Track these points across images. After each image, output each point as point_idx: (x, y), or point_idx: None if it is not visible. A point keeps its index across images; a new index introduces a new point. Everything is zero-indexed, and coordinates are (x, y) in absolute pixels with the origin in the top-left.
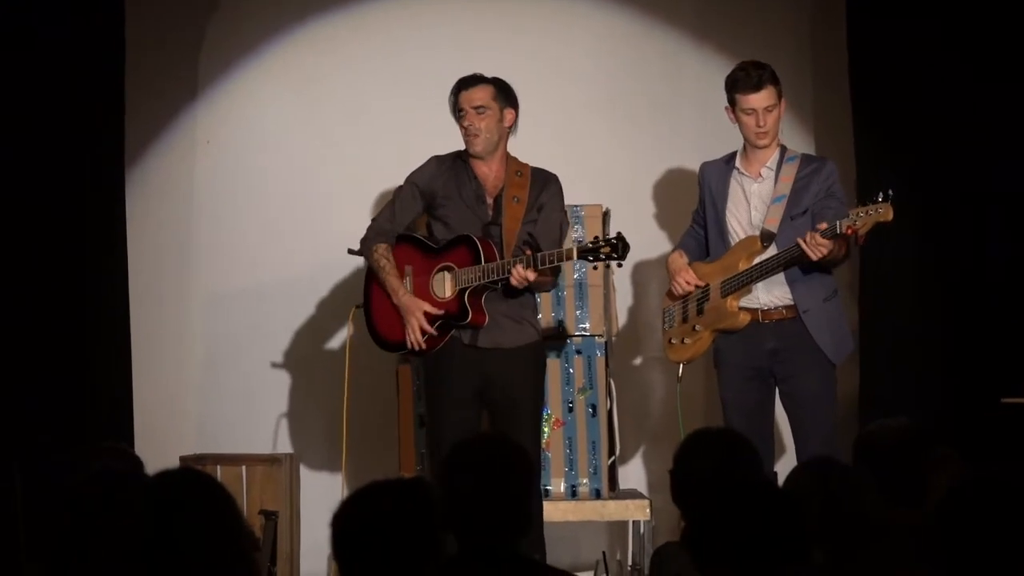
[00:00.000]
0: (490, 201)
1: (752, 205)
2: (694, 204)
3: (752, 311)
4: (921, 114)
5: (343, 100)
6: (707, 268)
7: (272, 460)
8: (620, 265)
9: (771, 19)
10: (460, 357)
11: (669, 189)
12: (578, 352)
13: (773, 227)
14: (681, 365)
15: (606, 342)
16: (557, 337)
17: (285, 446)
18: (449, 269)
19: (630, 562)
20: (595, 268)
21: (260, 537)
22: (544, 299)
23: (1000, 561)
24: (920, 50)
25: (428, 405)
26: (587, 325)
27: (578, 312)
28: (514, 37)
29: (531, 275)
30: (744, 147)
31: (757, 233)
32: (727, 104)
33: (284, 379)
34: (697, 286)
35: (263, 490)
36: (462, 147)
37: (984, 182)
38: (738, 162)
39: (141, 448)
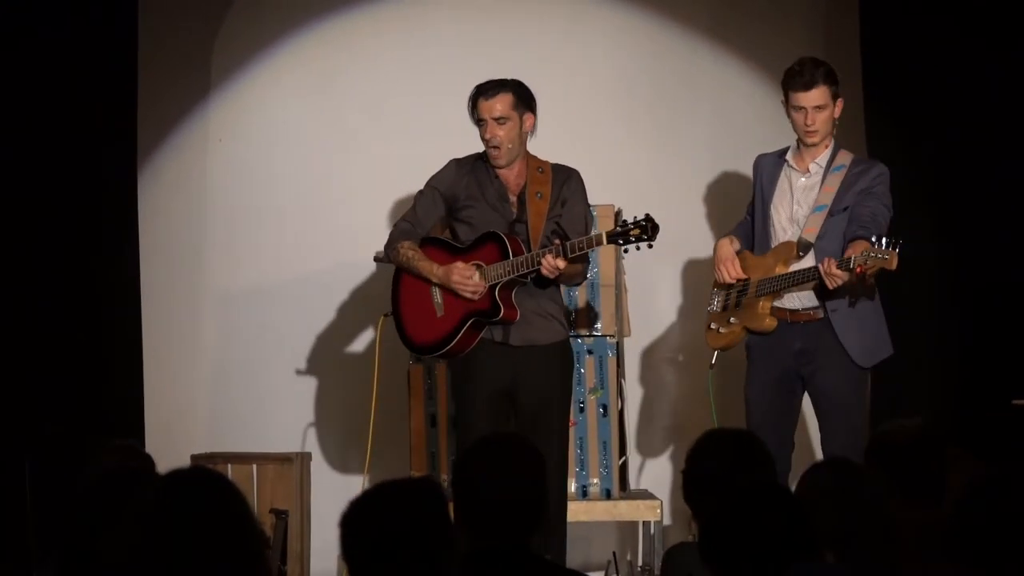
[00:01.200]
0: (513, 199)
1: (795, 199)
2: (707, 204)
3: (782, 311)
4: (935, 113)
5: (358, 98)
6: (754, 261)
7: (283, 459)
8: (651, 246)
9: (785, 18)
10: (491, 356)
11: (683, 190)
12: (590, 352)
13: (811, 237)
14: (716, 352)
15: (618, 342)
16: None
17: (297, 445)
18: (477, 267)
19: (640, 562)
20: (625, 252)
21: (271, 536)
22: None
23: (1019, 560)
24: (934, 48)
25: (459, 404)
26: (599, 325)
27: (590, 312)
28: (530, 36)
29: (561, 263)
30: (797, 142)
31: (796, 233)
32: (782, 98)
33: (296, 378)
34: (739, 279)
35: (274, 489)
36: (480, 147)
37: (998, 181)
38: (790, 155)
39: (152, 446)
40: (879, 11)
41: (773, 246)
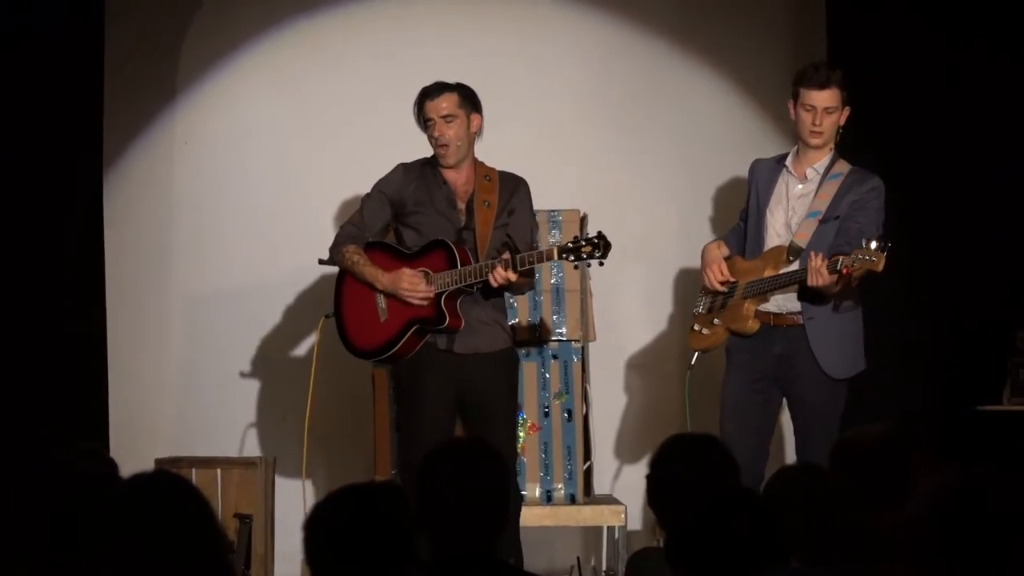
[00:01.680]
0: (462, 206)
1: (791, 206)
2: (672, 208)
3: (765, 315)
4: (903, 117)
5: (325, 101)
6: (744, 266)
7: (247, 463)
8: (602, 264)
9: (752, 21)
10: (436, 362)
11: (648, 194)
12: (554, 357)
13: (802, 242)
14: (696, 353)
15: (583, 347)
16: (532, 342)
17: (261, 449)
18: (424, 274)
19: (604, 567)
20: (575, 268)
21: (234, 540)
22: (521, 303)
23: (985, 564)
24: (901, 52)
25: (403, 410)
26: (564, 330)
27: (555, 317)
28: (497, 40)
29: (512, 276)
30: (798, 148)
31: (788, 239)
32: (791, 97)
33: (262, 382)
34: (727, 282)
35: (238, 493)
36: (429, 152)
37: (964, 187)
38: (789, 161)
39: (116, 450)
40: (845, 14)
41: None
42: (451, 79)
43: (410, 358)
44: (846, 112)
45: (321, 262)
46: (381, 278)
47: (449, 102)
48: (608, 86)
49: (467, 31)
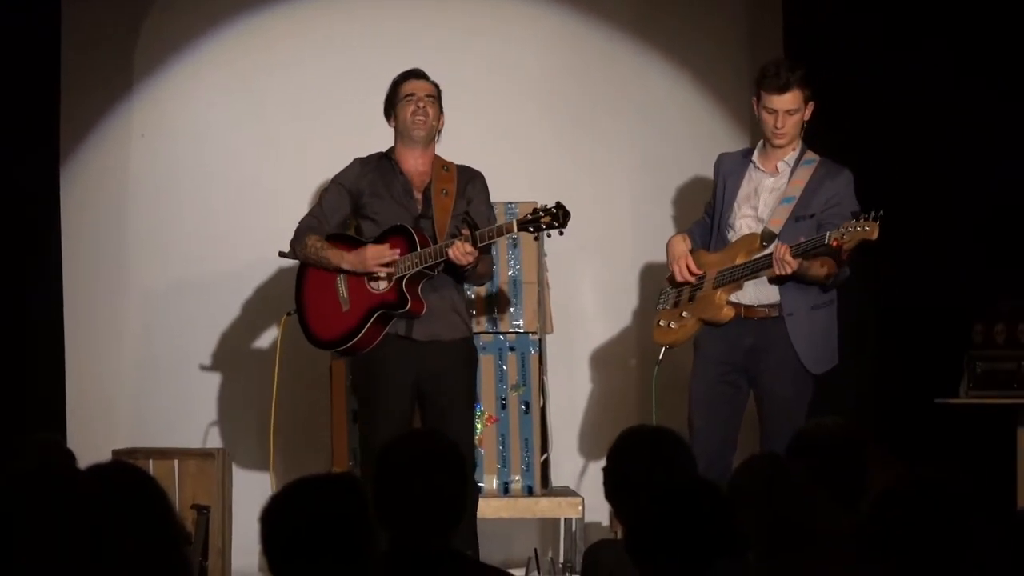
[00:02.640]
0: (418, 195)
1: (762, 199)
2: (630, 202)
3: (737, 306)
4: (860, 113)
5: (282, 95)
6: (710, 258)
7: (204, 455)
8: (561, 233)
9: (708, 16)
10: (395, 350)
11: (606, 188)
12: (512, 349)
13: (776, 228)
14: (663, 348)
15: (540, 339)
16: (489, 333)
17: (218, 441)
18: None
19: (562, 559)
20: (536, 239)
21: (192, 531)
22: (477, 296)
23: (933, 561)
24: (857, 46)
25: (362, 400)
26: (521, 322)
27: (512, 309)
28: (454, 35)
29: (468, 248)
30: (763, 143)
31: (760, 230)
32: (754, 95)
33: (218, 375)
34: (696, 275)
35: (195, 485)
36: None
37: (921, 180)
38: (755, 156)
39: (73, 442)
40: (801, 8)
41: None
42: None
43: (370, 350)
44: (810, 108)
45: (281, 255)
46: (347, 256)
47: (432, 87)
48: (566, 81)
49: (425, 26)
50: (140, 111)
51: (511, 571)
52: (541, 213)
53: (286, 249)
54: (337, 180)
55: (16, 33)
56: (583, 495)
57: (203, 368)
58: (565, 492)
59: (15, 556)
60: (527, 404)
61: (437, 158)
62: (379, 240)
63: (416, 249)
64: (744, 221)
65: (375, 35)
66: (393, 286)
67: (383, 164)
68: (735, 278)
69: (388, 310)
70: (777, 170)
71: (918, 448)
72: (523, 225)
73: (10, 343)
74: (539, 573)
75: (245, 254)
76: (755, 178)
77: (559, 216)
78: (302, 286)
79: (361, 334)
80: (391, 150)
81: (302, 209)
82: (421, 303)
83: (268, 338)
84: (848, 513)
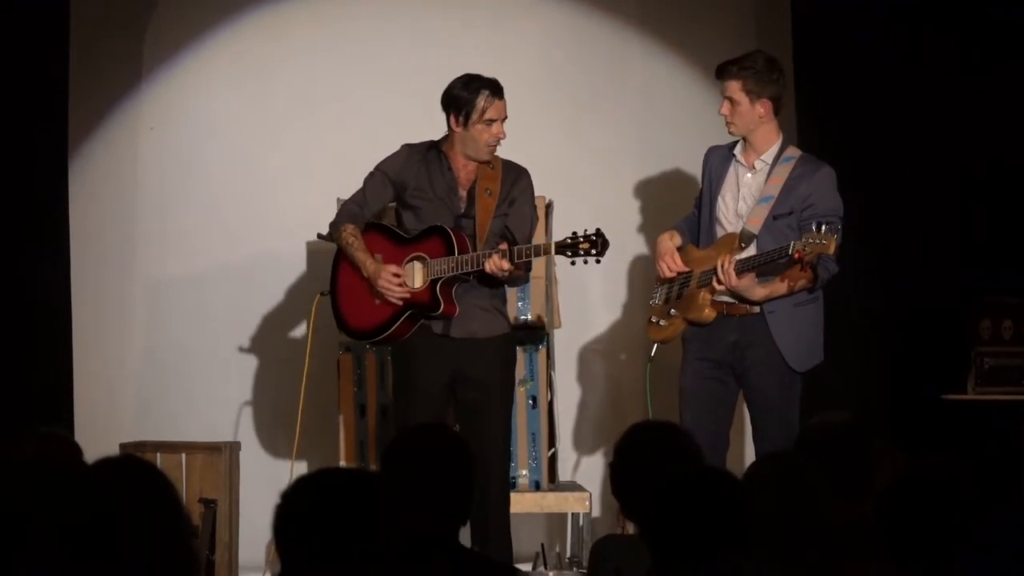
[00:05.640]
0: (463, 193)
1: (741, 195)
2: (635, 197)
3: (720, 304)
4: (866, 107)
5: (291, 88)
6: (698, 254)
7: (212, 448)
8: (599, 262)
9: (715, 10)
10: (431, 347)
11: (611, 182)
12: (520, 344)
13: (755, 228)
14: (655, 345)
15: (547, 334)
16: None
17: (225, 434)
18: (421, 259)
19: (568, 554)
20: (572, 264)
21: (199, 525)
22: None
23: (940, 554)
24: (866, 42)
25: (396, 394)
26: (529, 317)
27: (520, 304)
28: (460, 27)
29: (506, 265)
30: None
31: (740, 226)
32: None
33: (225, 367)
34: (680, 272)
35: (203, 478)
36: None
37: (927, 178)
38: (737, 150)
39: (81, 435)
40: (810, 3)
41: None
42: (413, 67)
43: (405, 342)
44: (765, 104)
45: (320, 237)
46: (368, 266)
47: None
48: (569, 73)
49: (430, 19)
50: (149, 103)
51: (518, 566)
52: (581, 239)
53: (324, 231)
54: (381, 168)
55: (25, 25)
56: (590, 490)
57: (209, 360)
58: (572, 487)
59: (24, 549)
60: (534, 399)
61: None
62: (418, 239)
63: (453, 252)
64: (727, 217)
65: (382, 26)
66: (427, 287)
67: (431, 156)
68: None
69: (420, 312)
70: (755, 167)
71: (925, 444)
72: (561, 249)
73: (18, 335)
74: (546, 568)
75: (253, 246)
76: (737, 173)
77: (598, 244)
78: (338, 270)
79: (391, 330)
80: (443, 142)
81: (310, 201)
82: (454, 306)
83: (275, 330)
84: (855, 508)
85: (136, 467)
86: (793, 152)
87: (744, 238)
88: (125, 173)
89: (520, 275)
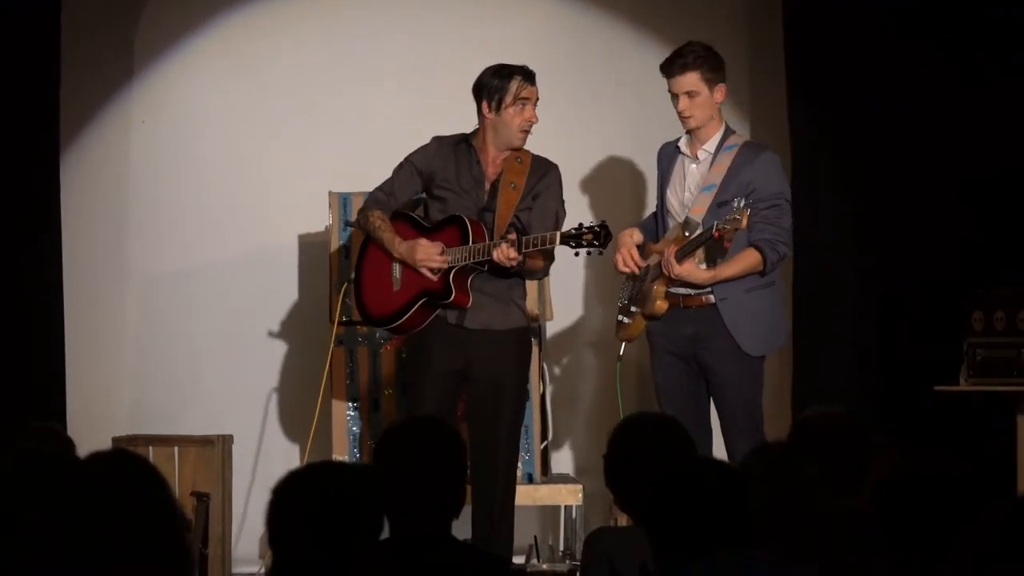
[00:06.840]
0: (488, 187)
1: (686, 185)
2: (630, 190)
3: (675, 297)
4: (858, 100)
5: (283, 82)
6: (654, 249)
7: (205, 442)
8: (601, 253)
9: (709, 5)
10: (445, 336)
11: (606, 176)
12: None
13: (698, 216)
14: (623, 344)
15: (540, 326)
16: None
17: (218, 428)
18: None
19: (562, 546)
20: (576, 255)
21: (192, 519)
22: None
23: (935, 546)
24: (858, 36)
25: (409, 385)
26: None
27: None
28: (455, 23)
29: (513, 254)
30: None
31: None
32: None
33: (218, 361)
34: (639, 267)
35: (195, 472)
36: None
37: (921, 170)
38: (682, 142)
39: (74, 429)
40: (801, 2)
41: None
42: (409, 62)
43: (420, 332)
44: (721, 89)
45: (348, 224)
46: (398, 246)
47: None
48: (566, 68)
49: (425, 15)
50: (140, 97)
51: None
52: (585, 230)
53: (353, 219)
54: (410, 159)
55: (16, 19)
56: (583, 482)
57: (202, 355)
58: (565, 479)
59: (17, 544)
60: (527, 391)
61: (515, 148)
62: (436, 228)
63: (468, 242)
64: (675, 208)
65: (375, 22)
66: (441, 276)
67: (461, 149)
68: (663, 271)
69: (433, 299)
70: (698, 157)
71: (918, 436)
72: (565, 239)
73: (10, 331)
74: (539, 560)
75: (245, 240)
76: (683, 165)
77: (601, 236)
78: (363, 258)
79: (406, 316)
80: (473, 136)
81: (303, 194)
82: (467, 296)
83: (268, 325)
84: (850, 500)
85: (128, 461)
86: (736, 140)
87: (688, 227)
88: (117, 167)
89: (538, 267)
